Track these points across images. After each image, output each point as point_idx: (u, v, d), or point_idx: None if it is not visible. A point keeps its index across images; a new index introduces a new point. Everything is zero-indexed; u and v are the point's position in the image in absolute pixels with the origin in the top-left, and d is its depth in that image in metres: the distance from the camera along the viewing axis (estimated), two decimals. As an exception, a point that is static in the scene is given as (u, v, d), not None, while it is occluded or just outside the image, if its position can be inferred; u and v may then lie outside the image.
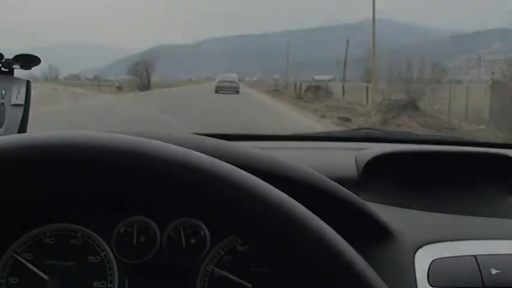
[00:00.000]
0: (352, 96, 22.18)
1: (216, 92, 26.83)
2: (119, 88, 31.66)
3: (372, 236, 0.82)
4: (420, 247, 0.82)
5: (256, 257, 0.87)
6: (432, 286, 0.77)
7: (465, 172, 1.22)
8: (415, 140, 1.49)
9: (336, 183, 0.79)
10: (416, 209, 0.97)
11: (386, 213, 0.91)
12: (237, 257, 0.90)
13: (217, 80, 30.29)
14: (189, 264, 0.89)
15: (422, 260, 0.80)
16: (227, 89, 27.29)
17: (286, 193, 0.73)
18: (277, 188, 0.69)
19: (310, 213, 0.53)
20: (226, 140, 1.46)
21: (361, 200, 0.81)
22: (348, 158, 1.23)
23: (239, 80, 32.85)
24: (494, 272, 0.78)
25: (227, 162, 0.54)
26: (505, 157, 1.19)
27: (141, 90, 30.30)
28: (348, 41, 31.53)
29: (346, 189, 0.79)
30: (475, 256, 0.80)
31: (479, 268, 0.79)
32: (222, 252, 0.90)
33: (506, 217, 0.99)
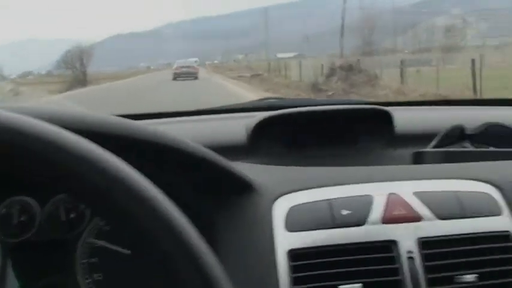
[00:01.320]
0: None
1: (174, 79, 25.95)
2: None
3: (234, 190, 0.90)
4: (279, 197, 0.91)
5: None
6: (288, 231, 0.86)
7: (348, 129, 1.31)
8: (312, 104, 1.57)
9: (203, 148, 0.87)
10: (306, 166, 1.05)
11: (257, 171, 0.99)
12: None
13: (174, 67, 29.13)
14: (69, 238, 0.94)
15: (280, 208, 0.89)
16: (185, 75, 26.37)
17: (147, 158, 0.81)
18: (139, 156, 0.77)
19: (158, 193, 0.56)
20: (139, 118, 1.53)
21: (224, 160, 0.89)
22: (240, 126, 1.31)
23: (199, 65, 31.78)
24: (345, 212, 0.88)
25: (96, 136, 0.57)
26: (384, 112, 1.29)
27: (72, 87, 23.68)
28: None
29: (211, 152, 0.87)
30: (328, 200, 0.90)
31: (331, 210, 0.88)
32: (101, 224, 0.94)
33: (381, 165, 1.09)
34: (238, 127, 1.31)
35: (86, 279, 0.92)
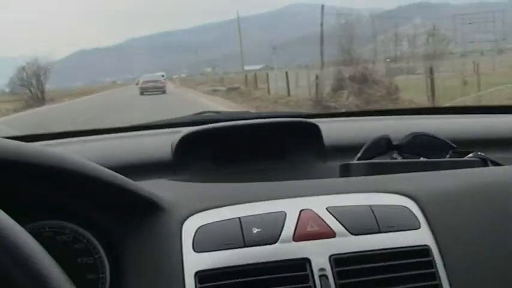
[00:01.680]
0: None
1: (142, 94, 25.52)
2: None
3: (140, 211, 0.87)
4: (188, 216, 0.88)
5: None
6: (196, 251, 0.83)
7: (277, 142, 1.29)
8: (249, 117, 1.55)
9: (104, 169, 0.83)
10: (229, 182, 1.03)
11: (172, 189, 0.97)
12: None
13: (141, 81, 28.65)
14: None
15: (189, 228, 0.86)
16: (152, 89, 25.88)
17: (47, 182, 0.77)
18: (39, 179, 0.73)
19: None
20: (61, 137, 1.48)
21: (127, 180, 0.86)
22: (167, 141, 1.28)
23: (166, 79, 31.13)
24: (255, 230, 0.85)
25: None
26: (311, 125, 1.28)
27: (28, 106, 21.67)
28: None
29: (112, 172, 0.84)
30: (239, 218, 0.87)
31: (241, 228, 0.85)
32: None
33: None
34: (166, 143, 1.28)
35: None
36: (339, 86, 14.23)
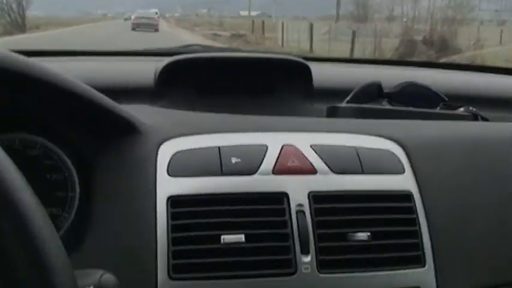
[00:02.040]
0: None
1: (133, 29, 24.89)
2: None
3: (116, 132, 0.84)
4: (165, 140, 0.85)
5: None
6: (170, 176, 0.81)
7: (265, 78, 1.25)
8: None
9: (86, 87, 0.79)
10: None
11: (151, 114, 0.93)
12: None
13: (133, 17, 27.95)
14: None
15: (165, 153, 0.83)
16: (145, 26, 25.20)
17: (26, 92, 0.73)
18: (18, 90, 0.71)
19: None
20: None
21: (108, 100, 0.82)
22: (152, 69, 1.24)
23: (159, 16, 30.39)
24: (234, 160, 0.82)
25: None
26: (302, 64, 1.24)
27: (7, 33, 18.80)
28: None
29: (94, 91, 0.80)
30: (218, 147, 0.84)
31: (220, 157, 0.83)
32: None
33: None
34: (151, 70, 1.24)
35: None
36: (410, 49, 10.99)
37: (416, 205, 0.85)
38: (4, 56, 0.70)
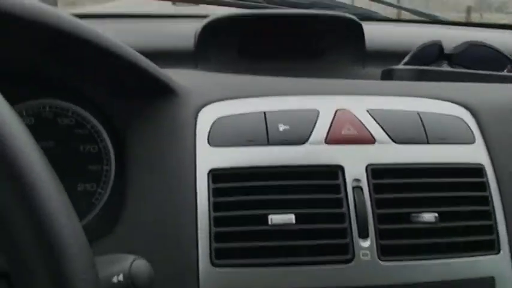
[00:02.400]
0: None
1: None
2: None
3: (152, 95, 0.75)
4: (205, 105, 0.76)
5: None
6: (212, 146, 0.72)
7: (314, 39, 1.15)
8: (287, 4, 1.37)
9: (119, 43, 0.70)
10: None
11: (191, 77, 0.84)
12: None
13: None
14: None
15: (205, 119, 0.74)
16: None
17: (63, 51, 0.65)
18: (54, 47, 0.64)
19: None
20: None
21: (145, 61, 0.72)
22: (192, 31, 1.14)
23: None
24: (282, 128, 0.73)
25: None
26: (355, 23, 1.12)
27: None
28: None
29: (132, 50, 0.71)
30: (264, 112, 0.75)
31: (266, 124, 0.73)
32: None
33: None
34: (191, 32, 1.14)
35: None
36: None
37: (489, 180, 0.74)
38: (35, 6, 0.61)
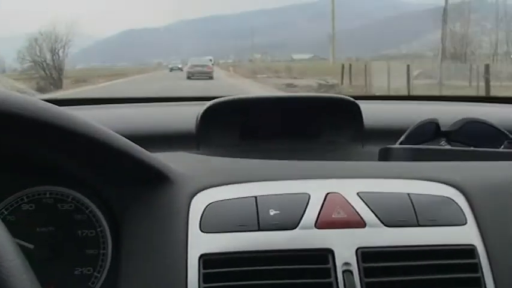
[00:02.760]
0: None
1: (188, 78, 24.67)
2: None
3: (147, 182, 0.77)
4: (198, 191, 0.78)
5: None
6: (203, 232, 0.73)
7: (312, 120, 1.18)
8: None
9: (119, 137, 0.74)
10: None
11: (187, 162, 0.87)
12: (21, 217, 0.83)
13: (188, 65, 27.76)
14: None
15: (198, 205, 0.76)
16: (199, 74, 24.96)
17: (58, 144, 0.68)
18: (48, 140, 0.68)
19: None
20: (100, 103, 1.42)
21: (138, 148, 0.76)
22: (195, 114, 1.18)
23: (213, 64, 30.96)
24: (273, 213, 0.74)
25: None
26: (352, 103, 1.15)
27: (40, 89, 14.60)
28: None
29: (123, 139, 0.75)
30: (255, 197, 0.76)
31: (257, 209, 0.74)
32: (5, 213, 0.81)
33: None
34: (193, 115, 1.18)
35: None
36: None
37: (481, 262, 0.73)
38: (33, 104, 0.66)
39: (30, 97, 0.68)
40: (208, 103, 1.15)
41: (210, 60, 29.49)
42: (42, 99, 0.72)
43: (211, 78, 25.04)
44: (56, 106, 0.69)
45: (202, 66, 26.99)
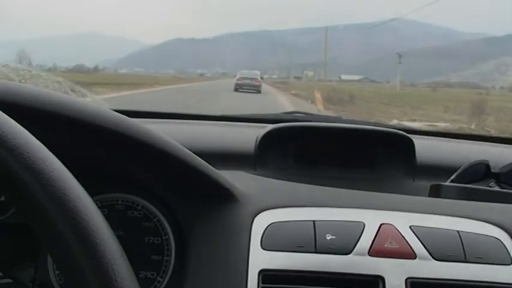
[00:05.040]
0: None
1: (236, 90, 24.84)
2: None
3: (214, 199, 0.85)
4: (261, 211, 0.85)
5: None
6: (264, 249, 0.80)
7: (367, 152, 1.24)
8: (342, 122, 1.50)
9: (187, 152, 0.82)
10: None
11: (249, 182, 0.94)
12: None
13: (236, 77, 27.99)
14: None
15: (260, 223, 0.83)
16: (248, 87, 25.26)
17: (131, 155, 0.77)
18: (122, 152, 0.76)
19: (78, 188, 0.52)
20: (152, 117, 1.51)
21: (208, 166, 0.84)
22: (253, 135, 1.26)
23: (262, 78, 30.74)
24: (329, 237, 0.81)
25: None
26: (406, 138, 1.22)
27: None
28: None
29: (195, 157, 0.82)
30: (314, 221, 0.83)
31: (315, 233, 0.81)
32: None
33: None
34: (252, 137, 1.27)
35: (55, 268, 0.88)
36: None
37: None
38: (112, 117, 0.74)
39: (115, 113, 0.77)
40: (269, 127, 1.22)
41: (260, 76, 29.40)
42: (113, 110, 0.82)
43: (259, 92, 25.11)
44: (133, 120, 0.77)
45: (251, 79, 27.23)
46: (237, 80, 27.21)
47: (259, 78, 28.37)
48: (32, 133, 0.51)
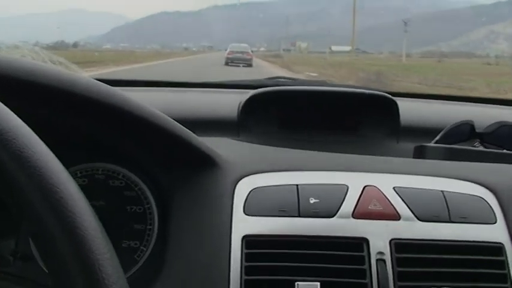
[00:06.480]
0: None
1: (227, 64, 24.00)
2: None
3: (195, 165, 0.84)
4: (243, 176, 0.85)
5: None
6: (247, 215, 0.80)
7: (350, 114, 1.24)
8: (325, 86, 1.49)
9: (168, 119, 0.81)
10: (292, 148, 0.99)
11: (232, 148, 0.94)
12: None
13: (227, 51, 27.28)
14: None
15: (243, 189, 0.83)
16: (239, 60, 24.57)
17: (109, 123, 0.76)
18: (100, 119, 0.74)
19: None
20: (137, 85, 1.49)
21: (189, 133, 0.83)
22: (236, 101, 1.25)
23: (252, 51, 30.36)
24: (312, 201, 0.81)
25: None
26: (390, 100, 1.21)
27: None
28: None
29: (175, 123, 0.81)
30: (297, 185, 0.83)
31: (298, 196, 0.81)
32: None
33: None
34: (234, 102, 1.26)
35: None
36: None
37: (509, 259, 0.79)
38: (88, 84, 0.73)
39: (92, 80, 0.76)
40: (251, 92, 1.21)
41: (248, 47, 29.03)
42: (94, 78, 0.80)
43: (250, 65, 24.48)
44: (107, 85, 0.76)
45: (242, 52, 26.81)
46: (228, 54, 26.62)
47: (250, 52, 28.07)
48: (4, 103, 0.50)
